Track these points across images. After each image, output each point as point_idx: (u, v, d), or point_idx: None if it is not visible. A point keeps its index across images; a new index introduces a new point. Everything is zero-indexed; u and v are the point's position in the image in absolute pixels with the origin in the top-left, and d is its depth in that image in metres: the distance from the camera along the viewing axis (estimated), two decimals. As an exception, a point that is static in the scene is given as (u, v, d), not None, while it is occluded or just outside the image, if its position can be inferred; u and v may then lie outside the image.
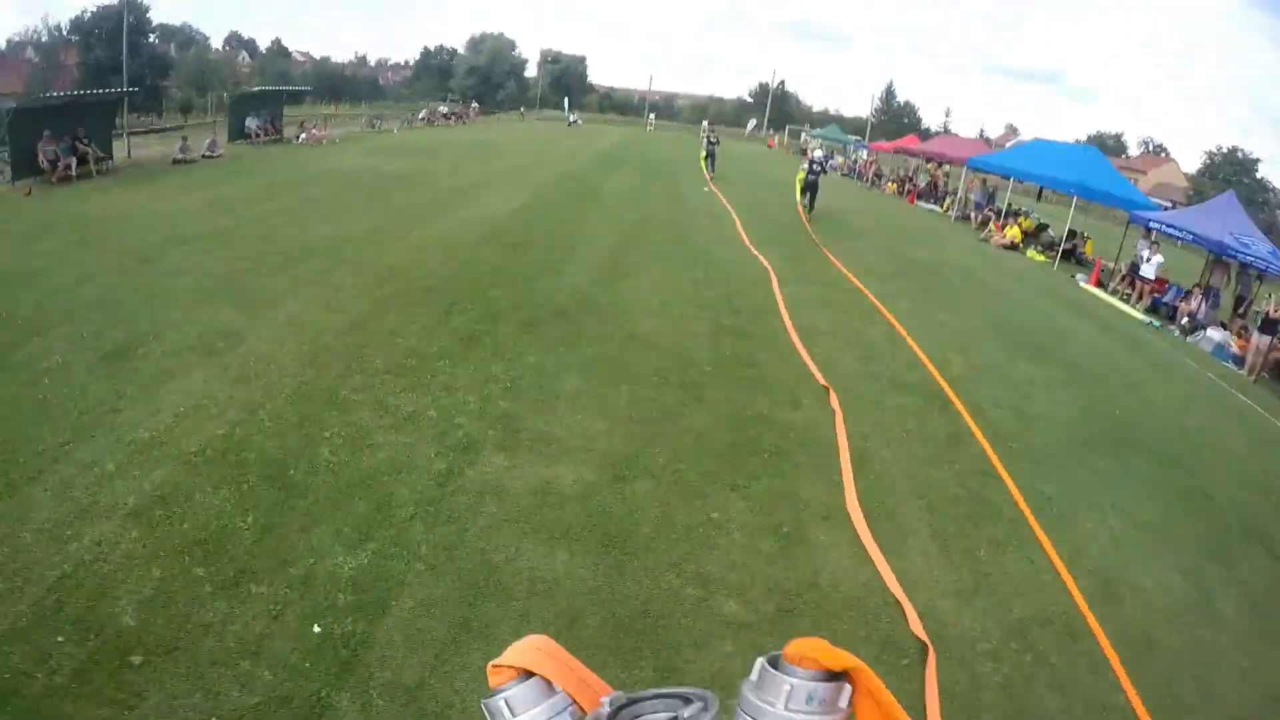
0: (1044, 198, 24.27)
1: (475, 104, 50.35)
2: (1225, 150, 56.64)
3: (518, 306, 8.00)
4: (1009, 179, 21.88)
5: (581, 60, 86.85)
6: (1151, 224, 16.56)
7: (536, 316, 7.76)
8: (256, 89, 27.30)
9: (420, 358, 6.46)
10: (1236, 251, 14.03)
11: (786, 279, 10.71)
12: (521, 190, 16.13)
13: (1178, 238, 15.74)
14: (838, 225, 17.45)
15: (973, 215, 22.88)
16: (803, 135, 52.54)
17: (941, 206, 25.54)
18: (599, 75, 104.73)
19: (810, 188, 17.75)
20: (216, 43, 70.09)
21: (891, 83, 69.84)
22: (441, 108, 44.05)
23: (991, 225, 20.60)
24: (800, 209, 17.83)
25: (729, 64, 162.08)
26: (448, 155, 23.36)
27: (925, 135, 40.86)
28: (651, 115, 61.73)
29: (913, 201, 26.60)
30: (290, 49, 78.83)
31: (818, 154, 19.32)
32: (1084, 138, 62.83)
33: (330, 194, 14.21)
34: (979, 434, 6.60)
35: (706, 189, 20.50)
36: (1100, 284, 16.98)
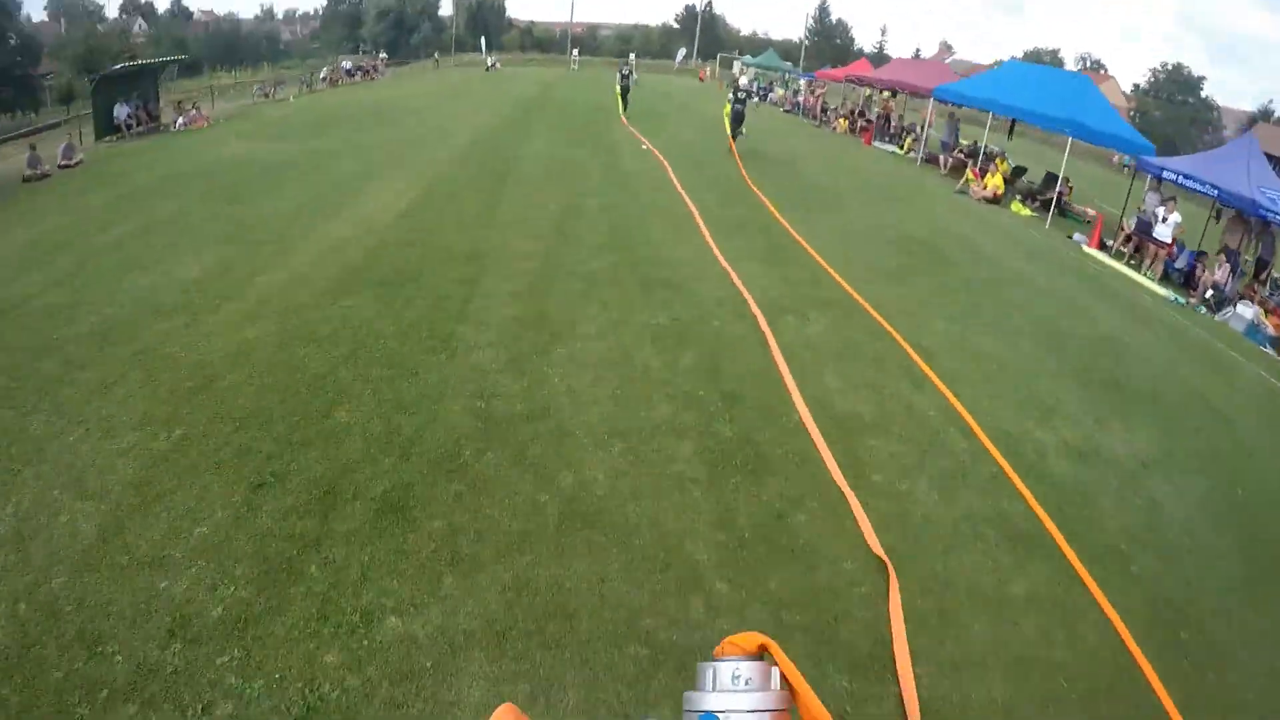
0: (1015, 132, 21.21)
1: (383, 55, 44.40)
2: (1170, 67, 53.85)
3: (377, 452, 4.59)
4: (985, 113, 18.74)
5: (498, -8, 79.63)
6: (1165, 174, 13.72)
7: (406, 479, 4.37)
8: (119, 66, 21.92)
9: (189, 638, 3.18)
10: (1267, 211, 11.26)
11: (775, 302, 7.51)
12: (417, 176, 12.33)
13: (1198, 192, 12.94)
14: (804, 187, 14.18)
15: (941, 159, 19.78)
16: (736, 65, 48.32)
17: (902, 147, 22.34)
18: (518, 9, 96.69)
19: (738, 118, 16.94)
20: (113, 11, 60.43)
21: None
22: (345, 63, 38.37)
23: (969, 173, 17.54)
24: (732, 145, 16.67)
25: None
26: (341, 129, 19.07)
27: (867, 60, 37.20)
28: (575, 52, 56.16)
29: (869, 142, 23.32)
30: (192, 9, 69.18)
31: (743, 81, 18.12)
32: (1020, 54, 59.67)
33: (181, 210, 10.29)
34: (1161, 684, 3.64)
35: (645, 147, 16.89)
36: (1102, 245, 14.24)
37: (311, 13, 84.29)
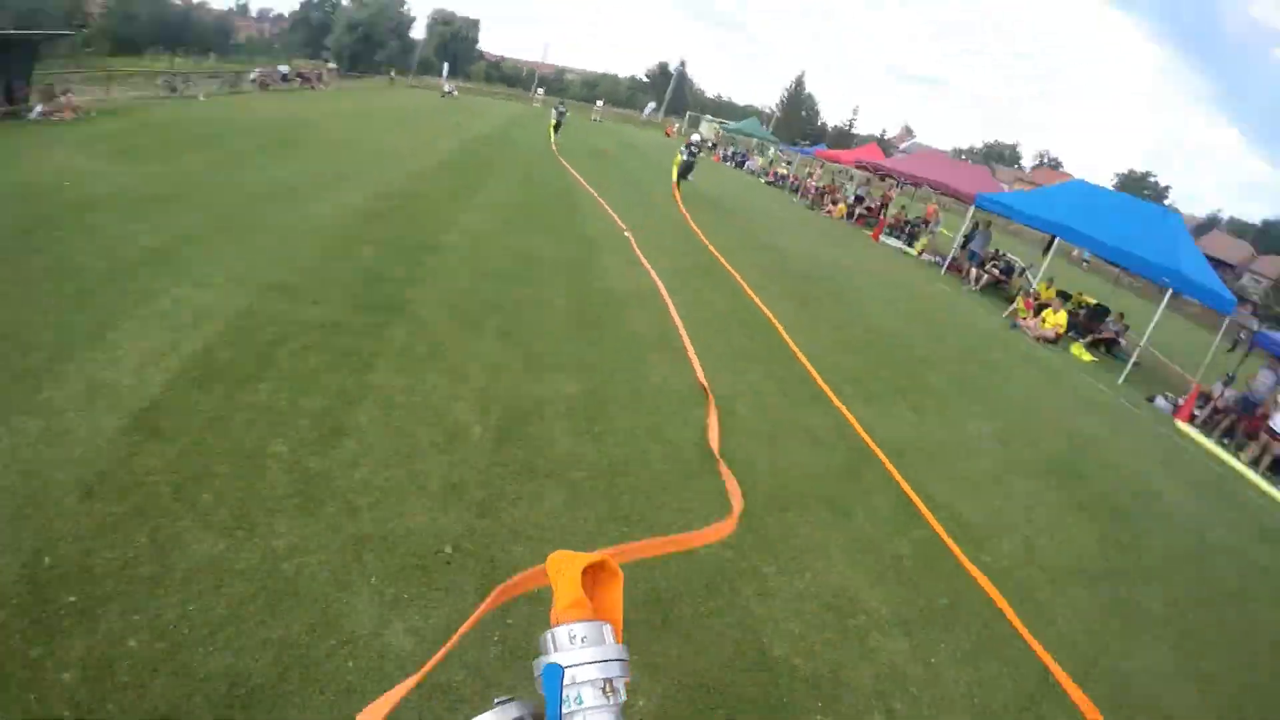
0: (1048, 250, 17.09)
1: (331, 65, 38.25)
2: (1137, 174, 52.10)
3: None
4: (1014, 224, 14.51)
5: (475, 24, 74.35)
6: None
7: None
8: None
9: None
10: None
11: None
12: (240, 281, 6.55)
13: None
14: (866, 340, 9.39)
15: (974, 273, 15.43)
16: (703, 125, 44.35)
17: (915, 248, 18.01)
18: (491, 43, 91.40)
19: (687, 169, 17.16)
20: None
21: (803, 74, 61.10)
22: (281, 68, 32.17)
23: (1020, 303, 13.17)
24: (676, 192, 16.31)
25: (626, 41, 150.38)
26: (217, 151, 13.36)
27: (829, 136, 33.46)
28: (539, 89, 51.27)
29: (877, 237, 18.92)
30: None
31: (695, 137, 18.94)
32: (979, 145, 57.53)
33: None
34: None
35: (625, 234, 11.86)
36: (1192, 418, 10.14)
37: (286, 14, 77.11)
